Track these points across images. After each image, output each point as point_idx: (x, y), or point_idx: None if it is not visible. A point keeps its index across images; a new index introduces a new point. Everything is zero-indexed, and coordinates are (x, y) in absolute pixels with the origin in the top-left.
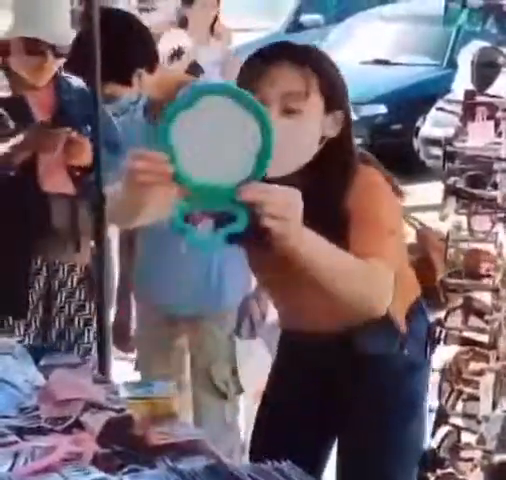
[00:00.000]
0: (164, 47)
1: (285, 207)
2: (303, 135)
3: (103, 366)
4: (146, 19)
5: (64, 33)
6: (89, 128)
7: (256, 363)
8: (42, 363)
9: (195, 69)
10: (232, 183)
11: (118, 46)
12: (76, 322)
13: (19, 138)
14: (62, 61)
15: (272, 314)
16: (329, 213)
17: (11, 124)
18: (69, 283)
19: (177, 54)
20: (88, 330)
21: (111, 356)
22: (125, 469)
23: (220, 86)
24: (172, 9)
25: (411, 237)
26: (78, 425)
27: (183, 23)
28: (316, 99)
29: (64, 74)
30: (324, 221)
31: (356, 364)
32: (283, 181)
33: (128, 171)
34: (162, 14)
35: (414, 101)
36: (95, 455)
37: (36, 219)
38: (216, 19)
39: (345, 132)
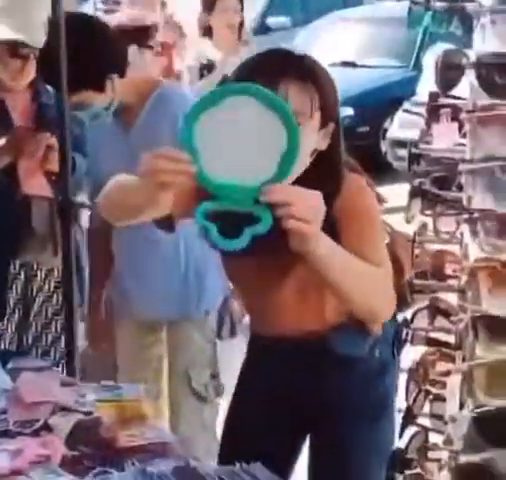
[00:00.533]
0: (192, 61)
1: (309, 209)
2: (302, 150)
3: (71, 368)
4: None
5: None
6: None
7: (239, 362)
8: (9, 366)
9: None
10: (256, 184)
11: (88, 52)
12: (53, 326)
13: (1, 143)
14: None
15: None
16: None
17: None
18: (46, 287)
19: (207, 68)
20: (65, 334)
21: (79, 357)
22: (94, 471)
23: (246, 86)
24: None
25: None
26: (46, 428)
27: (207, 32)
28: (316, 115)
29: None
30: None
31: (327, 365)
32: None
33: (149, 170)
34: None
35: (381, 103)
36: (63, 458)
37: (16, 222)
38: (242, 25)
39: (335, 143)
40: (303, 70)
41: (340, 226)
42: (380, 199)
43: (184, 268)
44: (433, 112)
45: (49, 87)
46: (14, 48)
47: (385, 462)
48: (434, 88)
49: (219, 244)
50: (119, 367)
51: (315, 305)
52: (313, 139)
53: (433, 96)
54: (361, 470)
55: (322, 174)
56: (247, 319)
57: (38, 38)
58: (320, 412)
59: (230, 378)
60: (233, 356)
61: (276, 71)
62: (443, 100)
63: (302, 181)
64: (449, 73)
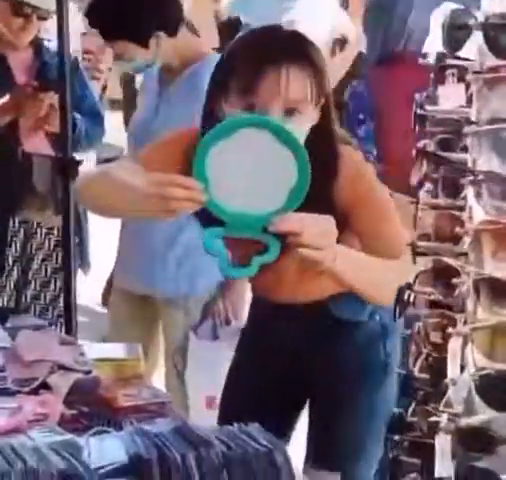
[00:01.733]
0: (322, 35)
1: (320, 237)
2: (302, 135)
3: (70, 327)
4: None
5: None
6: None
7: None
8: (9, 324)
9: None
10: (265, 213)
11: (137, 6)
12: (52, 285)
13: (2, 100)
14: (44, 23)
15: (238, 321)
16: (323, 204)
17: None
18: (46, 245)
19: (340, 44)
20: (63, 293)
21: (77, 317)
22: (92, 430)
23: (259, 119)
24: None
25: None
26: (45, 386)
27: (344, 1)
28: (312, 95)
29: (44, 37)
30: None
31: (327, 329)
32: None
33: (159, 195)
34: None
35: None
36: (62, 416)
37: (17, 179)
38: None
39: (326, 116)
40: (301, 53)
41: (348, 212)
42: (376, 170)
43: (182, 252)
44: (439, 73)
45: (51, 45)
46: (17, 6)
47: (384, 426)
48: (441, 48)
49: (227, 272)
50: (108, 332)
51: (313, 278)
52: (310, 120)
53: (440, 56)
54: (361, 433)
55: (317, 150)
56: (233, 325)
57: None
58: (320, 375)
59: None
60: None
61: (277, 55)
62: (450, 61)
63: None
64: (456, 33)
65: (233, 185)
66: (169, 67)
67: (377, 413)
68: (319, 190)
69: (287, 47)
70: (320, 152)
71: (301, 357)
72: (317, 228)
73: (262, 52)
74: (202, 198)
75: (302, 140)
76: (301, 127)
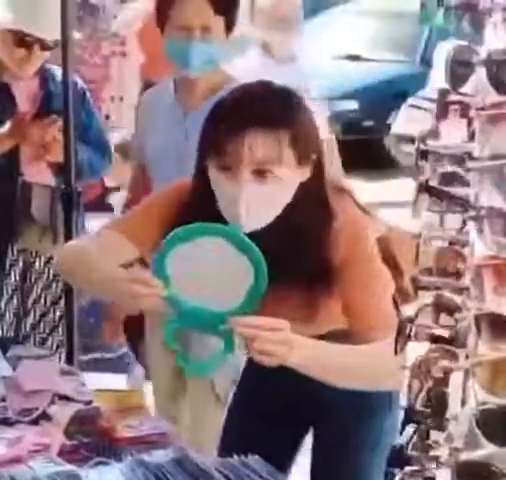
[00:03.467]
0: None
1: (275, 344)
2: (277, 195)
3: (71, 358)
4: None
5: (52, 28)
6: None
7: None
8: (10, 354)
9: None
10: (222, 312)
11: None
12: (51, 315)
13: (4, 128)
14: (48, 54)
15: None
16: (313, 260)
17: None
18: (46, 275)
19: None
20: (63, 323)
21: (77, 348)
22: (92, 461)
23: (214, 228)
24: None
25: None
26: (45, 417)
27: None
28: (289, 156)
29: (49, 66)
30: (309, 269)
31: None
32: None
33: (123, 291)
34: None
35: (386, 97)
36: (62, 447)
37: (17, 208)
38: None
39: (317, 172)
40: (269, 115)
41: (341, 268)
42: (368, 214)
43: None
44: (442, 108)
45: (56, 74)
46: (19, 37)
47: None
48: (444, 84)
49: (185, 367)
50: (147, 365)
51: (307, 320)
52: (289, 180)
53: (443, 92)
54: (365, 468)
55: (307, 205)
56: None
57: (45, 28)
58: (320, 409)
59: None
60: None
61: (240, 119)
62: (453, 97)
63: (289, 214)
64: (460, 69)
65: (192, 284)
66: (193, 91)
67: (380, 447)
68: (310, 245)
69: (253, 110)
70: (310, 207)
71: (299, 390)
72: (272, 336)
73: (230, 114)
74: (161, 293)
75: (278, 200)
76: (279, 188)
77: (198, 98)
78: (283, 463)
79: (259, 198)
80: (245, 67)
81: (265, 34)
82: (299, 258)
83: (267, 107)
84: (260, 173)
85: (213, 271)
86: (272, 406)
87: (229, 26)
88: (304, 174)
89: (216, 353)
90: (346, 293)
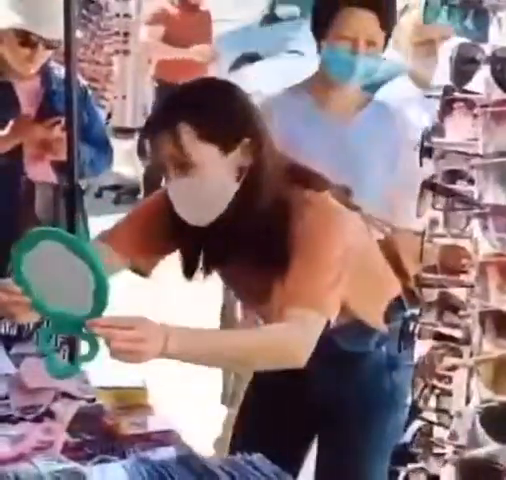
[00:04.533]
0: None
1: (131, 342)
2: (207, 186)
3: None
4: None
5: (56, 27)
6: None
7: None
8: (13, 351)
9: None
10: (80, 315)
11: None
12: None
13: (7, 128)
14: (52, 52)
15: None
16: (275, 243)
17: None
18: None
19: None
20: None
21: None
22: (95, 459)
23: (52, 232)
24: None
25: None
26: (49, 414)
27: None
28: (205, 149)
29: (51, 65)
30: (272, 252)
31: (333, 361)
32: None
33: None
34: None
35: None
36: (65, 444)
37: (20, 207)
38: None
39: (262, 157)
40: (173, 119)
41: (292, 256)
42: (354, 208)
43: None
44: (447, 106)
45: (58, 73)
46: (23, 36)
47: (388, 457)
48: (448, 82)
49: (52, 372)
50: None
51: (262, 300)
52: (215, 171)
53: (447, 90)
54: (371, 465)
55: (252, 191)
56: None
57: (47, 28)
58: (327, 408)
59: None
60: None
61: (153, 127)
62: (457, 94)
63: (236, 202)
64: (464, 67)
65: (49, 289)
66: (338, 103)
67: (387, 445)
68: (262, 230)
69: (161, 117)
70: (255, 189)
71: (306, 390)
72: (131, 334)
73: (160, 114)
74: (23, 300)
75: (211, 191)
76: (199, 181)
77: (346, 111)
78: (290, 466)
79: (187, 193)
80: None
81: (409, 60)
82: (254, 239)
83: (168, 113)
84: (181, 168)
85: (61, 275)
86: (275, 413)
87: (386, 43)
88: (244, 159)
89: (83, 355)
90: (292, 273)
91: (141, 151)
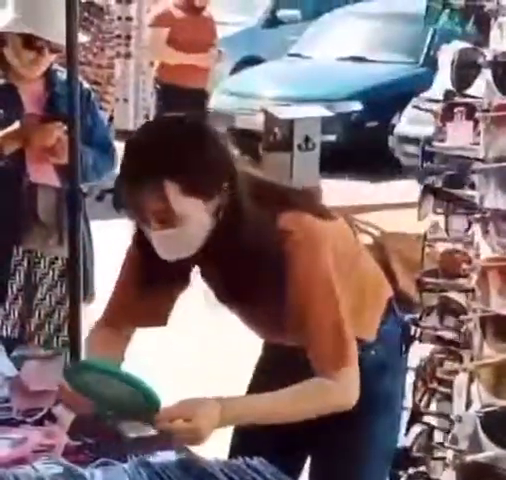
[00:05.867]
0: None
1: (195, 432)
2: (190, 232)
3: (75, 358)
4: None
5: (60, 31)
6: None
7: None
8: (14, 354)
9: None
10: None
11: None
12: (56, 315)
13: (10, 129)
14: (56, 56)
15: None
16: (263, 275)
17: (1, 113)
18: (50, 276)
19: None
20: (68, 323)
21: (83, 348)
22: (96, 462)
23: (87, 366)
24: None
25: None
26: (50, 417)
27: None
28: (189, 202)
29: (55, 68)
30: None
31: None
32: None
33: None
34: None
35: (390, 98)
36: (66, 447)
37: (22, 209)
38: None
39: (239, 192)
40: (157, 171)
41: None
42: (331, 217)
43: None
44: (448, 110)
45: (62, 76)
46: (28, 40)
47: (386, 462)
48: (449, 86)
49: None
50: None
51: (278, 332)
52: (198, 217)
53: (448, 94)
54: (362, 470)
55: (232, 227)
56: None
57: (52, 32)
58: (315, 433)
59: None
60: None
61: (134, 179)
62: (458, 98)
63: (218, 237)
64: (465, 71)
65: (104, 398)
66: None
67: (379, 450)
68: (256, 264)
69: (143, 167)
70: (234, 225)
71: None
72: (190, 425)
73: (123, 174)
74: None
75: (193, 236)
76: (183, 231)
77: None
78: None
79: (170, 241)
80: None
81: None
82: (251, 275)
83: (150, 162)
84: (164, 222)
85: (113, 390)
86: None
87: None
88: (217, 202)
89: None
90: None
91: (117, 204)
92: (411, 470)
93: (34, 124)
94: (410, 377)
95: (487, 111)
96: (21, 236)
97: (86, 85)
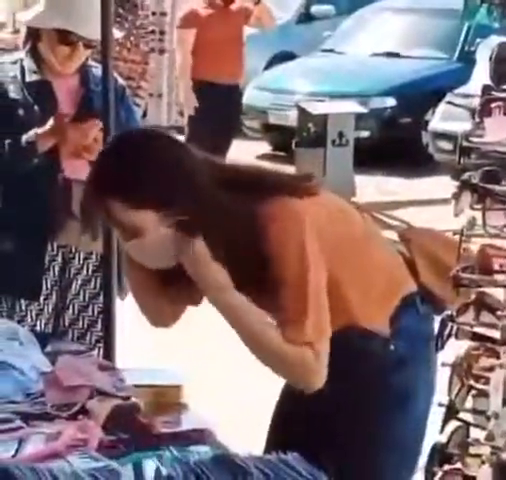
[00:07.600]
0: None
1: None
2: (151, 243)
3: (109, 353)
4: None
5: (95, 27)
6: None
7: None
8: (49, 349)
9: None
10: None
11: None
12: (90, 310)
13: (47, 128)
14: (90, 52)
15: None
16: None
17: (36, 109)
18: (85, 271)
19: None
20: (102, 318)
21: (117, 343)
22: (130, 456)
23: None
24: None
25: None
26: (84, 412)
27: None
28: (140, 215)
29: (89, 63)
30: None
31: (337, 359)
32: None
33: None
34: None
35: (424, 94)
36: (100, 442)
37: (57, 205)
38: None
39: (202, 196)
40: (117, 190)
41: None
42: (313, 192)
43: None
44: (485, 105)
45: (97, 73)
46: (64, 35)
47: (405, 459)
48: (487, 81)
49: None
50: None
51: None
52: (157, 228)
53: (486, 89)
54: (377, 466)
55: (214, 231)
56: None
57: (87, 27)
58: (332, 406)
59: None
60: None
61: (97, 200)
62: (496, 93)
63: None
64: (503, 66)
65: None
66: None
67: (395, 447)
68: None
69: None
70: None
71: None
72: None
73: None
74: None
75: (158, 247)
76: (144, 241)
77: None
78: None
79: (141, 252)
80: None
81: None
82: (242, 265)
83: (114, 185)
84: (127, 233)
85: None
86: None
87: None
88: (179, 210)
89: None
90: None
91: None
92: (447, 467)
93: (69, 120)
94: (446, 374)
95: None
96: (56, 231)
97: (121, 81)
